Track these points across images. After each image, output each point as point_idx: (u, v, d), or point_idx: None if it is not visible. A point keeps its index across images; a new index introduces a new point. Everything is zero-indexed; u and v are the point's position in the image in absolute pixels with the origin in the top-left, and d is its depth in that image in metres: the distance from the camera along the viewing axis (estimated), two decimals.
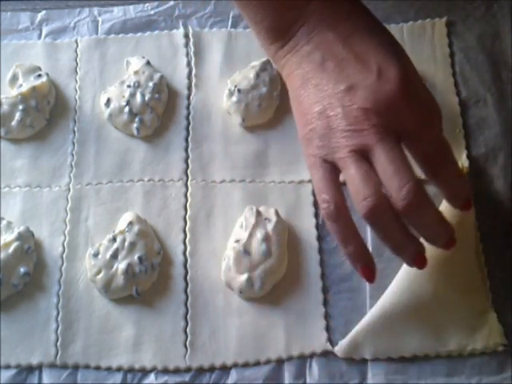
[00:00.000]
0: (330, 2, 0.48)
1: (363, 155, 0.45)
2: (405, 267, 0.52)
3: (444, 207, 0.54)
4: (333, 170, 0.46)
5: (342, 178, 0.46)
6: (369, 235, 0.55)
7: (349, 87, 0.46)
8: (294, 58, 0.49)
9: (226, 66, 0.63)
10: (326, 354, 0.51)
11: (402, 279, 0.52)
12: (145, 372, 0.51)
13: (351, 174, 0.45)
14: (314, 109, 0.47)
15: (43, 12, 0.67)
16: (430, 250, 0.52)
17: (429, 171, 0.48)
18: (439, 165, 0.47)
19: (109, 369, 0.51)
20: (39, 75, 0.62)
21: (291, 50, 0.49)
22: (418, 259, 0.47)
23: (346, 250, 0.46)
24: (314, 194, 0.57)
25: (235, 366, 0.51)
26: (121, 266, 0.53)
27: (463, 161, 0.58)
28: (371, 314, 0.51)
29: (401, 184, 0.43)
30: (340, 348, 0.51)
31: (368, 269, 0.47)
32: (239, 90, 0.60)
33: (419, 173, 0.48)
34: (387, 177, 0.44)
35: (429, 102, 0.47)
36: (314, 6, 0.48)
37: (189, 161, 0.60)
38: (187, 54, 0.65)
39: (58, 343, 0.52)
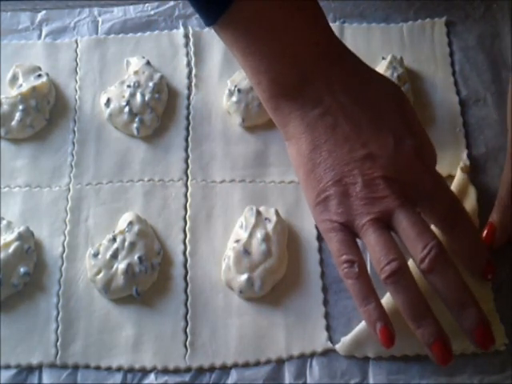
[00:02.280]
0: (338, 59, 0.49)
1: (383, 222, 0.46)
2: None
3: None
4: (351, 233, 0.47)
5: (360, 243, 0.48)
6: None
7: (367, 155, 0.46)
8: (300, 119, 0.48)
9: (226, 66, 0.63)
10: (327, 354, 0.51)
11: None
12: (145, 372, 0.51)
13: (372, 241, 0.46)
14: (329, 176, 0.47)
15: (43, 12, 0.67)
16: None
17: (445, 228, 0.49)
18: (455, 220, 0.48)
19: (109, 369, 0.51)
20: (39, 75, 0.62)
21: (298, 109, 0.48)
22: (436, 345, 0.45)
23: (367, 307, 0.46)
24: None
25: (235, 366, 0.51)
26: (121, 265, 0.53)
27: (464, 160, 0.58)
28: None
29: (425, 244, 0.45)
30: (342, 346, 0.50)
31: (387, 330, 0.46)
32: (239, 90, 0.60)
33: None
34: (411, 239, 0.46)
35: (434, 160, 0.50)
36: (324, 65, 0.48)
37: (189, 161, 0.60)
38: (187, 54, 0.65)
39: (58, 343, 0.52)
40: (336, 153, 0.47)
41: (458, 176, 0.56)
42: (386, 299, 0.51)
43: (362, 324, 0.50)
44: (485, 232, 0.53)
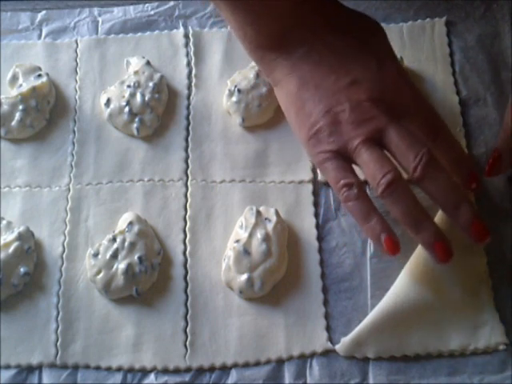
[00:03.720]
0: (319, 5, 0.49)
1: (375, 140, 0.48)
2: (407, 267, 0.52)
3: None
4: (346, 159, 0.48)
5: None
6: (369, 241, 0.55)
7: (352, 81, 0.47)
8: (286, 62, 0.49)
9: (226, 66, 0.63)
10: (327, 354, 0.51)
11: (404, 278, 0.52)
12: (145, 372, 0.51)
13: (366, 159, 0.47)
14: (319, 108, 0.48)
15: (43, 12, 0.67)
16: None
17: (428, 140, 0.49)
18: (436, 131, 0.50)
19: (109, 369, 0.51)
20: (39, 75, 0.62)
21: (283, 53, 0.49)
22: (437, 245, 0.47)
23: (369, 224, 0.48)
24: (314, 194, 0.57)
25: (235, 366, 0.51)
26: (121, 266, 0.53)
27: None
28: (374, 312, 0.51)
29: (416, 153, 0.46)
30: (341, 346, 0.51)
31: (392, 239, 0.47)
32: (239, 90, 0.60)
33: None
34: (402, 151, 0.47)
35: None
36: (306, 12, 0.49)
37: (189, 161, 0.60)
38: (187, 54, 0.65)
39: (58, 343, 0.52)
40: (322, 85, 0.48)
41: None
42: (386, 298, 0.51)
43: (362, 324, 0.50)
44: (491, 159, 0.53)
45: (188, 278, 0.55)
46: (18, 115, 0.60)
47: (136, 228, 0.55)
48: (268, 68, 0.51)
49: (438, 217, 0.53)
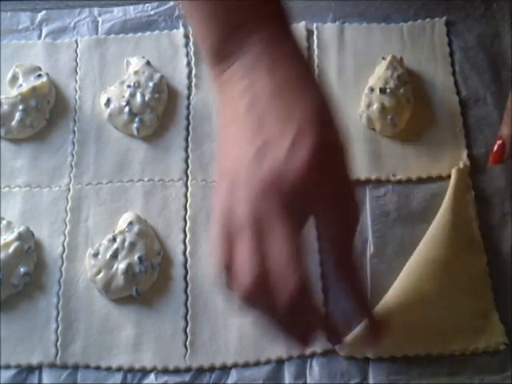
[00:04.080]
0: (274, 38, 0.44)
1: (260, 229, 0.40)
2: (408, 267, 0.52)
3: (444, 208, 0.54)
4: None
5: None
6: (370, 235, 0.55)
7: (260, 148, 0.41)
8: (226, 93, 0.45)
9: None
10: (327, 354, 0.51)
11: (405, 279, 0.52)
12: (145, 372, 0.51)
13: (241, 247, 0.40)
14: (226, 160, 0.44)
15: (43, 12, 0.67)
16: (433, 250, 0.52)
17: (332, 260, 0.43)
18: (345, 260, 0.43)
19: (109, 369, 0.51)
20: (39, 75, 0.62)
21: (227, 81, 0.45)
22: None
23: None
24: None
25: (235, 366, 0.51)
26: (121, 266, 0.53)
27: (464, 160, 0.58)
28: (374, 312, 0.51)
29: (288, 277, 0.39)
30: (341, 346, 0.50)
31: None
32: None
33: None
34: (277, 262, 0.39)
35: (344, 179, 0.43)
36: (257, 39, 0.44)
37: (189, 161, 0.60)
38: (187, 54, 0.65)
39: (58, 343, 0.52)
40: (238, 137, 0.43)
41: (454, 178, 0.56)
42: (387, 298, 0.51)
43: (362, 325, 0.50)
44: (495, 146, 0.53)
45: (188, 278, 0.55)
46: (18, 115, 0.60)
47: (136, 228, 0.55)
48: (217, 91, 0.47)
49: (437, 218, 0.54)
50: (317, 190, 0.40)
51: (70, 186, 0.59)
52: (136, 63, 0.62)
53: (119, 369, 0.51)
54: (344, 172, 0.43)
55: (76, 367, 0.52)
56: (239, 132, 0.43)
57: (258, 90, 0.43)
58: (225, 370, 0.51)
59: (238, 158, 0.42)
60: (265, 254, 0.39)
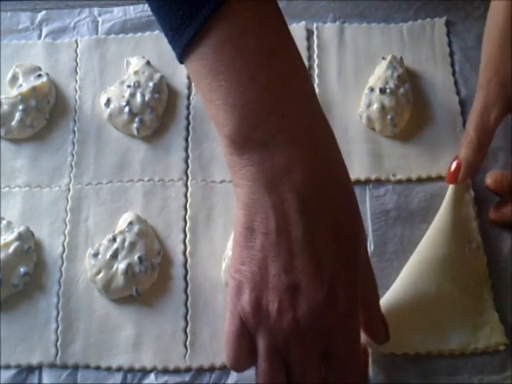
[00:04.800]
0: (304, 137, 0.40)
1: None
2: (408, 266, 0.52)
3: (444, 208, 0.54)
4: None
5: None
6: (370, 233, 0.55)
7: (293, 287, 0.40)
8: (246, 195, 0.41)
9: None
10: None
11: (405, 278, 0.52)
12: (145, 372, 0.51)
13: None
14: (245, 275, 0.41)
15: (43, 12, 0.67)
16: (433, 250, 0.52)
17: None
18: None
19: (109, 369, 0.51)
20: (39, 75, 0.62)
21: (249, 178, 0.41)
22: None
23: None
24: None
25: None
26: (121, 266, 0.53)
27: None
28: None
29: None
30: None
31: None
32: None
33: None
34: None
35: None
36: (284, 139, 0.39)
37: (189, 161, 0.60)
38: None
39: (58, 343, 0.52)
40: (264, 260, 0.40)
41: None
42: (387, 297, 0.51)
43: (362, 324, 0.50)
44: (452, 166, 0.54)
45: (188, 277, 0.55)
46: (18, 115, 0.60)
47: (136, 228, 0.55)
48: (234, 178, 0.43)
49: (437, 217, 0.54)
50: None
51: (70, 186, 0.59)
52: (136, 63, 0.62)
53: (119, 369, 0.51)
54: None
55: (76, 367, 0.52)
56: (267, 255, 0.40)
57: (287, 217, 0.40)
58: (225, 370, 0.51)
59: (265, 282, 0.40)
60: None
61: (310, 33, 0.65)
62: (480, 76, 0.53)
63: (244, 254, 0.41)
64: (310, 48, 0.64)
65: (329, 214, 0.40)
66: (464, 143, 0.54)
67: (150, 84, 0.61)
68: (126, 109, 0.60)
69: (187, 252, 0.56)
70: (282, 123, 0.40)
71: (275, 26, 0.41)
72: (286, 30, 0.42)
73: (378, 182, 0.58)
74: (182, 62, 0.42)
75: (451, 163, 0.55)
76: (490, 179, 0.55)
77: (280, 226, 0.40)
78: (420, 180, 0.58)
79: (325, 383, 0.42)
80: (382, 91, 0.59)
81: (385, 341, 0.47)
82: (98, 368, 0.51)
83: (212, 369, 0.51)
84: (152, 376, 0.51)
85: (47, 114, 0.61)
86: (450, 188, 0.55)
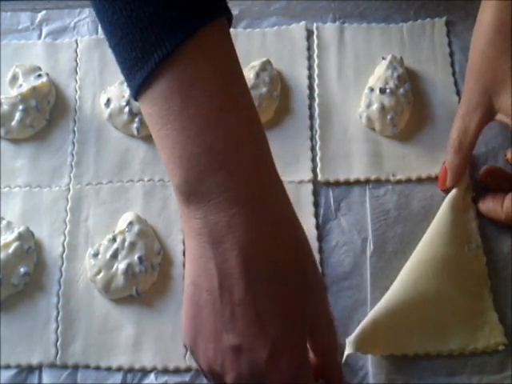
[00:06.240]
0: (252, 192, 0.39)
1: None
2: (407, 266, 0.52)
3: (444, 208, 0.54)
4: None
5: None
6: (370, 233, 0.55)
7: (236, 348, 0.40)
8: (195, 243, 0.41)
9: None
10: None
11: (405, 278, 0.52)
12: (145, 372, 0.51)
13: None
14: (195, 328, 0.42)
15: (43, 12, 0.67)
16: (432, 250, 0.52)
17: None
18: None
19: (109, 369, 0.51)
20: (39, 75, 0.62)
21: (197, 228, 0.40)
22: None
23: None
24: (313, 194, 0.57)
25: None
26: (121, 266, 0.53)
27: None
28: (374, 312, 0.51)
29: None
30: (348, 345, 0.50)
31: None
32: None
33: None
34: None
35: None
36: (230, 194, 0.39)
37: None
38: None
39: (58, 343, 0.52)
40: (208, 319, 0.41)
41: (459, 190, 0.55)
42: (386, 297, 0.51)
43: (362, 324, 0.50)
44: (440, 172, 0.55)
45: None
46: (18, 115, 0.60)
47: (136, 228, 0.55)
48: (184, 223, 0.42)
49: (437, 218, 0.54)
50: None
51: (70, 186, 0.59)
52: None
53: (119, 369, 0.51)
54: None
55: (76, 367, 0.52)
56: (210, 313, 0.40)
57: (229, 276, 0.39)
58: None
59: (209, 342, 0.40)
60: None
61: (310, 33, 0.65)
62: (465, 81, 0.54)
63: (190, 310, 0.41)
64: (310, 48, 0.64)
65: (272, 275, 0.40)
66: (447, 148, 0.54)
67: None
68: (126, 109, 0.60)
69: None
70: (228, 181, 0.39)
71: (228, 79, 0.40)
72: (241, 83, 0.41)
73: (378, 182, 0.58)
74: (136, 100, 0.42)
75: (441, 169, 0.56)
76: (510, 153, 0.56)
77: (222, 285, 0.40)
78: (420, 180, 0.58)
79: None
80: (382, 91, 0.59)
81: None
82: (98, 368, 0.52)
83: None
84: (152, 376, 0.51)
85: (47, 114, 0.61)
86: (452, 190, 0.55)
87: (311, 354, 0.44)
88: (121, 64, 0.41)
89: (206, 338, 0.40)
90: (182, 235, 0.56)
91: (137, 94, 0.40)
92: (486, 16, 0.51)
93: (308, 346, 0.43)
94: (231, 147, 0.39)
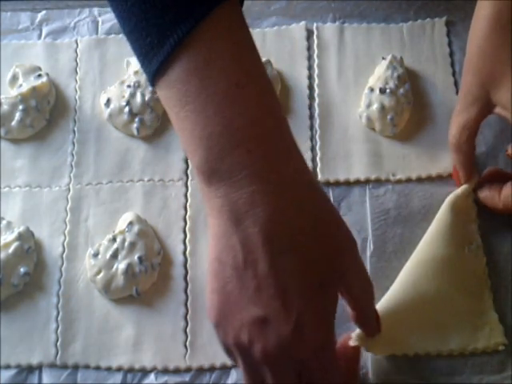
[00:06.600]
0: (270, 162, 0.40)
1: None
2: (407, 266, 0.52)
3: (444, 209, 0.54)
4: None
5: None
6: (370, 233, 0.55)
7: (261, 320, 0.40)
8: (217, 220, 0.41)
9: None
10: None
11: (405, 278, 0.52)
12: (145, 372, 0.51)
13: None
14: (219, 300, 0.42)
15: (43, 12, 0.67)
16: (433, 250, 0.52)
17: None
18: None
19: (109, 369, 0.52)
20: (39, 75, 0.62)
21: (218, 205, 0.41)
22: None
23: None
24: None
25: (235, 366, 0.51)
26: (121, 266, 0.53)
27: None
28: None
29: None
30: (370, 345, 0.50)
31: None
32: None
33: None
34: None
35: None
36: (251, 162, 0.39)
37: (188, 161, 0.60)
38: None
39: (58, 343, 0.52)
40: (233, 292, 0.41)
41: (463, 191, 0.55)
42: (386, 297, 0.51)
43: None
44: (453, 173, 0.55)
45: (188, 277, 0.55)
46: (18, 115, 0.60)
47: (136, 228, 0.55)
48: (207, 204, 0.42)
49: (438, 218, 0.54)
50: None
51: (70, 186, 0.59)
52: (136, 63, 0.62)
53: (119, 369, 0.51)
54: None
55: (76, 367, 0.52)
56: (235, 287, 0.41)
57: (253, 250, 0.40)
58: (225, 370, 0.51)
59: (235, 315, 0.41)
60: None
61: (310, 33, 0.65)
62: (462, 77, 0.54)
63: (214, 284, 0.42)
64: (310, 48, 0.64)
65: (295, 247, 0.40)
66: (450, 146, 0.54)
67: None
68: (126, 109, 0.60)
69: (187, 252, 0.56)
70: (247, 158, 0.39)
71: (244, 57, 0.41)
72: (257, 61, 0.41)
73: (378, 182, 0.58)
74: (153, 86, 0.42)
75: (452, 169, 0.56)
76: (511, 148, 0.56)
77: (246, 261, 0.40)
78: (420, 180, 0.58)
79: None
80: (382, 91, 0.59)
81: (376, 333, 0.48)
82: (98, 368, 0.52)
83: (212, 369, 0.51)
84: (152, 376, 0.51)
85: (47, 114, 0.61)
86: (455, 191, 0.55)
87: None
88: (136, 50, 0.42)
89: (233, 310, 0.41)
90: (182, 235, 0.56)
91: (153, 79, 0.41)
92: (483, 11, 0.52)
93: (345, 299, 0.44)
94: (249, 123, 0.40)
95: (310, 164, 0.58)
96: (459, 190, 0.55)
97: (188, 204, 0.58)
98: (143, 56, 0.41)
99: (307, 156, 0.59)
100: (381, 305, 0.51)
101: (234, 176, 0.40)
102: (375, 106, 0.59)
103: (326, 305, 0.42)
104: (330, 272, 0.42)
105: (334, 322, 0.42)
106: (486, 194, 0.54)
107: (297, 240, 0.40)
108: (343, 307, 0.46)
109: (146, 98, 0.60)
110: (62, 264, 0.55)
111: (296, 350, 0.40)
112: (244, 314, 0.40)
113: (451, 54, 0.63)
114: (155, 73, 0.40)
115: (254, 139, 0.40)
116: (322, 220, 0.42)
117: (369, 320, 0.47)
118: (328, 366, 0.43)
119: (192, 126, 0.40)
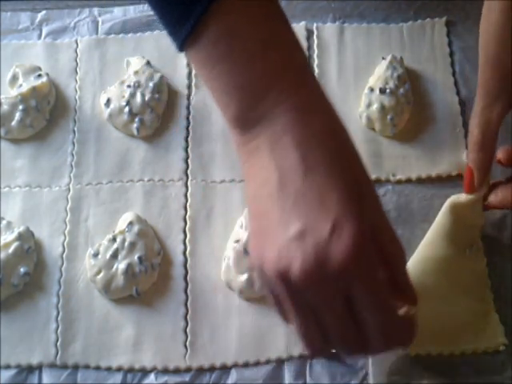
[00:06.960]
0: (303, 107, 0.42)
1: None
2: (407, 267, 0.52)
3: (445, 211, 0.54)
4: None
5: None
6: None
7: (299, 233, 0.40)
8: (253, 166, 0.43)
9: None
10: None
11: None
12: (145, 372, 0.51)
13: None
14: (260, 239, 0.43)
15: (43, 12, 0.67)
16: (433, 251, 0.52)
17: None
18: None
19: (109, 369, 0.51)
20: (39, 75, 0.62)
21: (252, 152, 0.43)
22: None
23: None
24: None
25: (235, 365, 0.51)
26: (121, 266, 0.53)
27: (463, 160, 0.58)
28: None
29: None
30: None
31: None
32: None
33: None
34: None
35: (395, 261, 0.43)
36: (284, 109, 0.41)
37: (189, 161, 0.60)
38: None
39: (58, 343, 0.52)
40: (271, 216, 0.42)
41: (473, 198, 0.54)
42: None
43: None
44: (465, 176, 0.53)
45: (188, 277, 0.55)
46: (18, 115, 0.60)
47: (136, 228, 0.55)
48: (240, 154, 0.45)
49: (438, 217, 0.54)
50: (358, 276, 0.40)
51: (70, 186, 0.59)
52: (136, 63, 0.62)
53: (119, 369, 0.51)
54: (389, 251, 0.42)
55: (76, 367, 0.52)
56: (272, 212, 0.41)
57: (288, 169, 0.41)
58: (225, 370, 0.51)
59: (274, 241, 0.41)
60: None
61: (310, 33, 0.65)
62: (480, 74, 0.53)
63: (255, 223, 0.43)
64: (310, 48, 0.64)
65: (329, 161, 0.41)
66: (470, 145, 0.53)
67: (150, 84, 0.61)
68: (126, 109, 0.60)
69: (187, 252, 0.56)
70: (281, 97, 0.41)
71: (271, 18, 0.43)
72: (283, 22, 0.43)
73: (378, 182, 0.58)
74: (182, 51, 0.44)
75: (464, 173, 0.53)
76: (501, 153, 0.54)
77: (282, 181, 0.41)
78: (420, 180, 0.58)
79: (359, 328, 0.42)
80: (382, 91, 0.59)
81: (415, 303, 0.45)
82: (98, 368, 0.52)
83: (212, 369, 0.51)
84: (152, 376, 0.51)
85: (47, 114, 0.61)
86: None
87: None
88: (164, 20, 0.43)
89: (272, 237, 0.41)
90: (182, 235, 0.56)
91: (182, 46, 0.43)
92: (494, 6, 0.51)
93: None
94: (280, 70, 0.42)
95: None
96: (463, 198, 0.53)
97: (188, 204, 0.58)
98: (172, 26, 0.43)
99: None
100: None
101: (268, 114, 0.41)
102: (375, 106, 0.59)
103: (363, 209, 0.41)
104: (360, 186, 0.42)
105: (370, 228, 0.41)
106: (497, 197, 0.53)
107: (330, 154, 0.41)
108: None
109: (146, 98, 0.60)
110: (62, 264, 0.55)
111: (335, 252, 0.39)
112: (284, 235, 0.40)
113: (451, 54, 0.63)
114: (184, 40, 0.42)
115: (285, 82, 0.42)
116: (349, 144, 0.43)
117: (405, 279, 0.44)
118: (377, 288, 0.41)
119: (224, 81, 0.42)
